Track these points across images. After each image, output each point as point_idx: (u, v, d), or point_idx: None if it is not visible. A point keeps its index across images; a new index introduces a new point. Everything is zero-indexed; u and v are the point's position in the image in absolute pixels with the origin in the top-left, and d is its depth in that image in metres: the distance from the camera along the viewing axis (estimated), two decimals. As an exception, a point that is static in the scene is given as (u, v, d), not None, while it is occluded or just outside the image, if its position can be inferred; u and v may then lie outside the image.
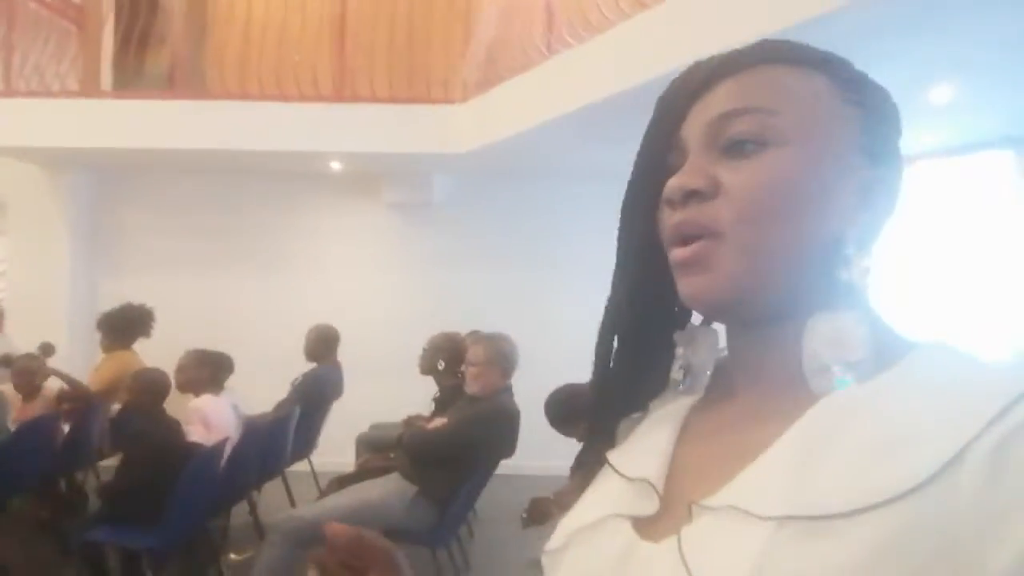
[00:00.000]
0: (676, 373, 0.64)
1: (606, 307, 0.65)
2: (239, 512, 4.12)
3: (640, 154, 0.61)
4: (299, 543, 3.03)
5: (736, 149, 0.55)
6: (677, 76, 0.61)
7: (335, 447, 4.93)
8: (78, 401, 4.30)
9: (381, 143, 5.18)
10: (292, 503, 4.51)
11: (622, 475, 0.60)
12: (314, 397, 4.54)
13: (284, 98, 5.15)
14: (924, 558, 0.42)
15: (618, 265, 0.64)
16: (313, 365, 4.64)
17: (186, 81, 5.65)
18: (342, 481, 3.55)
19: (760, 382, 0.58)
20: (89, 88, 5.66)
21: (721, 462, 0.53)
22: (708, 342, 0.63)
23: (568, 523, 0.62)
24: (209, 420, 3.66)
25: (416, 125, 5.13)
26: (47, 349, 4.73)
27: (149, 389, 3.51)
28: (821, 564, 0.44)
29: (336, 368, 4.68)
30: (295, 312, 5.34)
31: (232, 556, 3.89)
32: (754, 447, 0.52)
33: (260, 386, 4.55)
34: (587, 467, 0.66)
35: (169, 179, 6.09)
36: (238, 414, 3.97)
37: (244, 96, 5.26)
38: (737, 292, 0.54)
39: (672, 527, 0.52)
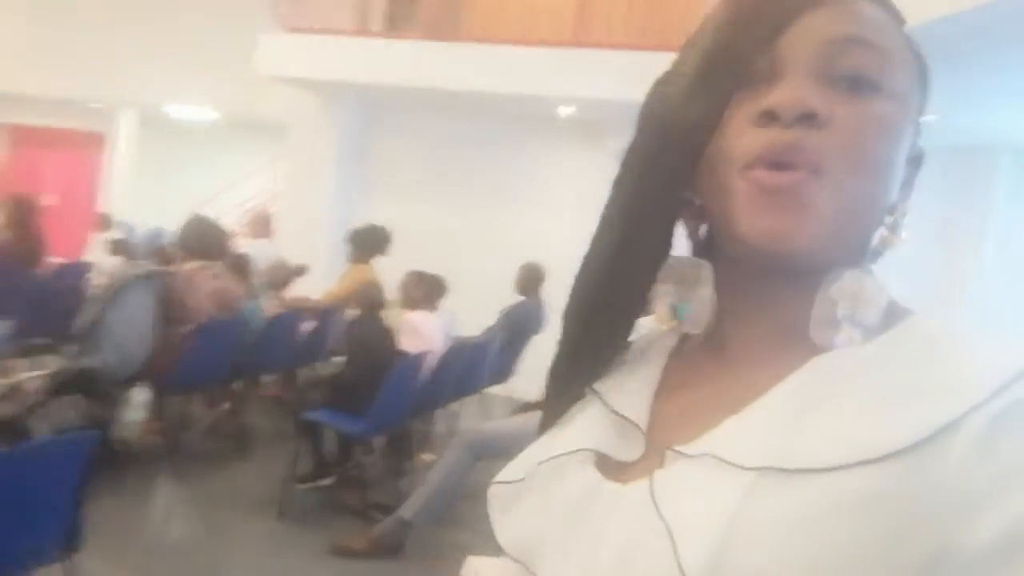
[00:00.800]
0: (669, 307, 0.59)
1: (587, 260, 0.60)
2: (442, 421, 4.57)
3: (716, 47, 0.53)
4: (475, 453, 3.32)
5: (851, 83, 0.50)
6: None
7: (531, 376, 5.21)
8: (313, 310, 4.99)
9: (613, 89, 5.24)
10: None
11: (610, 407, 0.58)
12: (517, 328, 4.85)
13: (526, 42, 5.39)
14: (902, 521, 0.42)
15: (629, 173, 0.57)
16: (520, 298, 4.94)
17: (443, 24, 6.11)
18: (527, 407, 3.78)
19: (756, 331, 0.55)
20: (362, 27, 6.34)
21: (702, 410, 0.52)
22: (706, 277, 0.57)
23: (532, 454, 0.60)
24: (419, 332, 4.08)
25: (651, 73, 5.09)
26: (301, 270, 5.50)
27: (370, 301, 3.98)
28: (796, 517, 0.43)
29: (540, 304, 4.93)
30: (511, 247, 5.65)
31: (424, 456, 4.34)
32: (739, 397, 0.51)
33: (474, 310, 4.94)
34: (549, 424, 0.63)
35: (422, 116, 6.66)
36: (446, 332, 4.36)
37: (489, 39, 5.59)
38: (820, 239, 0.49)
39: (643, 471, 0.52)
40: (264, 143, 8.21)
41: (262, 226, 6.13)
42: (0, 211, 4.94)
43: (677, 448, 0.50)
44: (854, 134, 0.49)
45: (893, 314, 0.52)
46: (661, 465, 0.51)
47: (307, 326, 4.88)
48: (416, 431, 4.40)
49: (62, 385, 3.78)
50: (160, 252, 4.97)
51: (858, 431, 0.44)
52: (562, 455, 0.56)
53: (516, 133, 6.38)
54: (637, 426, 0.55)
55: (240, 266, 4.74)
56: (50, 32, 7.82)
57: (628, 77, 5.28)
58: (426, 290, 4.28)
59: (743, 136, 0.50)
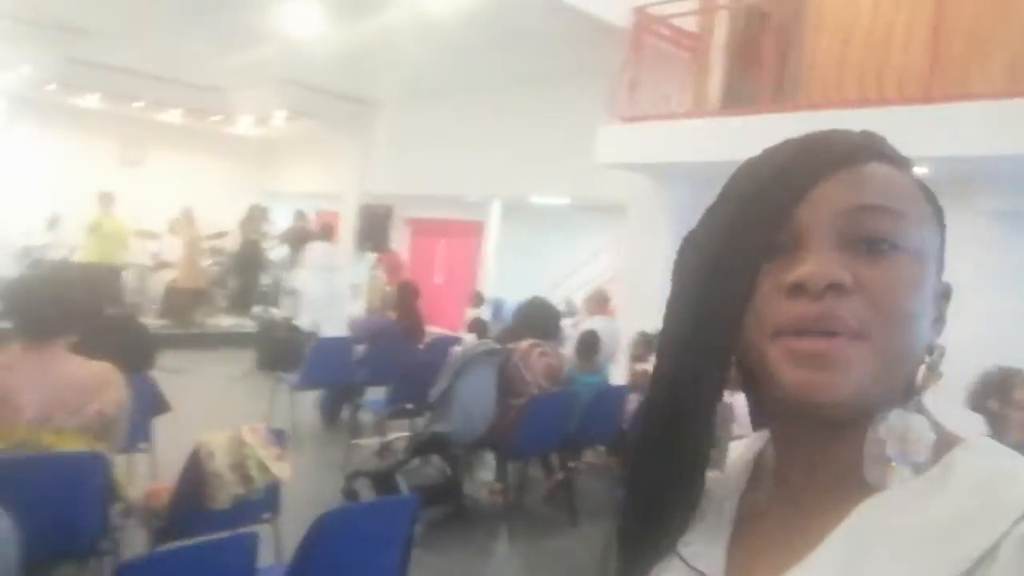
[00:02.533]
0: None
1: (643, 419, 0.62)
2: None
3: (737, 221, 0.57)
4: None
5: (872, 246, 0.53)
6: (786, 145, 0.59)
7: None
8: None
9: (977, 144, 4.61)
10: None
11: (687, 563, 0.60)
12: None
13: (870, 103, 5.02)
14: None
15: (670, 341, 0.61)
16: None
17: (782, 95, 5.98)
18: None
19: (817, 475, 0.57)
20: (699, 108, 6.50)
21: (769, 560, 0.55)
22: (727, 418, 0.63)
23: None
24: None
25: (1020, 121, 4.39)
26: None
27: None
28: None
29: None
30: None
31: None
32: (802, 545, 0.53)
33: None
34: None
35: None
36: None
37: (828, 105, 5.32)
38: (860, 396, 0.52)
39: None
40: (609, 224, 8.76)
41: (601, 304, 6.50)
42: (390, 294, 6.05)
43: None
44: (882, 294, 0.52)
45: (943, 445, 0.53)
46: None
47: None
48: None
49: (421, 445, 4.43)
50: (504, 330, 5.57)
51: (904, 571, 0.47)
52: None
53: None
54: None
55: (589, 342, 5.12)
56: (439, 146, 9.45)
57: (993, 129, 4.64)
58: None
59: (774, 306, 0.54)
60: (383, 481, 4.34)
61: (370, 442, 4.83)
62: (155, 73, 9.86)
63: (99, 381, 2.37)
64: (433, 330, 7.78)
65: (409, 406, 4.72)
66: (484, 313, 7.92)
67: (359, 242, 10.77)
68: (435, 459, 4.74)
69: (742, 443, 0.67)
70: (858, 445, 0.54)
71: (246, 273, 10.93)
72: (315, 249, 8.49)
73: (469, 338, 5.53)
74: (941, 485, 0.51)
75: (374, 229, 10.83)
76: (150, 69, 9.73)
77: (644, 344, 5.16)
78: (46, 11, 7.61)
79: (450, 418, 4.24)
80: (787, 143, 0.58)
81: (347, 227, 10.97)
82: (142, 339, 4.16)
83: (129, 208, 9.84)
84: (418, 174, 9.93)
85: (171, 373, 5.42)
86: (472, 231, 10.39)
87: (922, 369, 0.56)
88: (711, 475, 0.64)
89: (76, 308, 2.40)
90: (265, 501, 2.71)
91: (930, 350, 0.56)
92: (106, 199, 9.51)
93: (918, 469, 0.52)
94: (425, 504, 4.36)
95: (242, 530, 2.22)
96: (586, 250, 9.91)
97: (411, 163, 10.02)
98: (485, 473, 4.89)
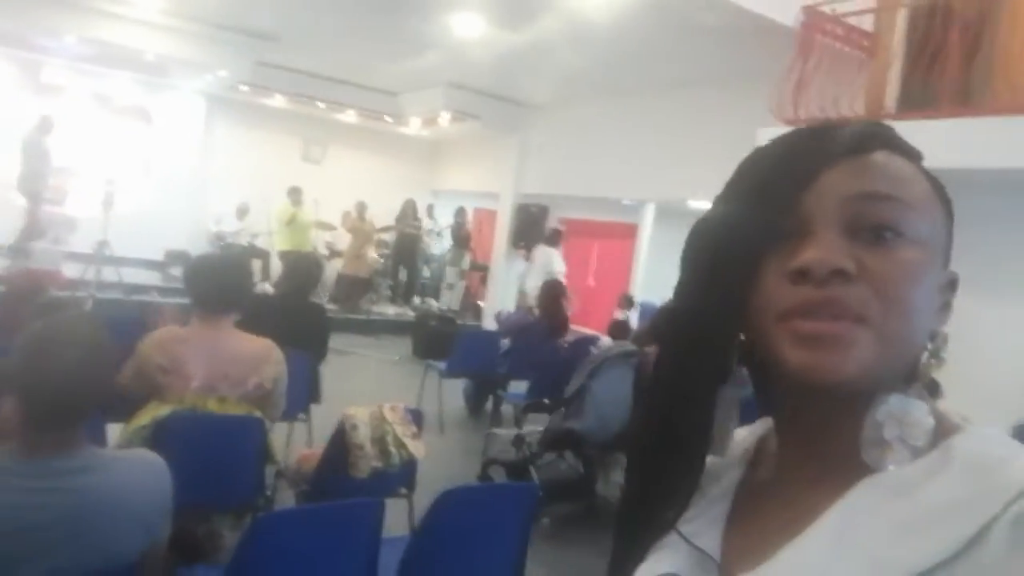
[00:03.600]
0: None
1: (655, 380, 0.64)
2: None
3: (743, 207, 0.59)
4: None
5: (877, 234, 0.54)
6: (794, 134, 0.60)
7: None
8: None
9: None
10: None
11: (685, 539, 0.62)
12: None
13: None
14: None
15: (675, 324, 0.62)
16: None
17: (964, 97, 5.52)
18: None
19: (816, 455, 0.58)
20: (872, 110, 6.11)
21: (765, 538, 0.57)
22: (732, 402, 0.63)
23: None
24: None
25: None
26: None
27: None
28: None
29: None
30: None
31: None
32: (799, 522, 0.55)
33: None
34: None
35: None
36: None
37: (1021, 110, 4.86)
38: (863, 377, 0.53)
39: None
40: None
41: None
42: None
43: None
44: (885, 283, 0.53)
45: (943, 431, 0.54)
46: None
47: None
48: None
49: (554, 441, 4.51)
50: (639, 333, 5.54)
51: (894, 553, 0.48)
52: None
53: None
54: (712, 558, 0.59)
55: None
56: (594, 148, 9.51)
57: None
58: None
59: (778, 290, 0.55)
60: (517, 471, 4.47)
61: (507, 432, 4.98)
62: (335, 76, 10.61)
63: (260, 357, 2.65)
64: (581, 330, 7.85)
65: (546, 401, 4.81)
66: (633, 316, 7.87)
67: (513, 241, 11.05)
68: (570, 456, 4.81)
69: (745, 429, 0.68)
70: (858, 427, 0.55)
71: (407, 265, 11.58)
72: (543, 252, 9.09)
73: (606, 340, 5.54)
74: (938, 469, 0.51)
75: (529, 229, 11.04)
76: (330, 73, 10.48)
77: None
78: (241, 19, 8.41)
79: (583, 417, 4.29)
80: (795, 132, 0.60)
81: (503, 226, 11.26)
82: (323, 328, 4.53)
83: (309, 201, 10.71)
84: (573, 175, 10.02)
85: (336, 354, 5.85)
86: (626, 233, 10.34)
87: (925, 355, 0.57)
88: (713, 458, 0.66)
89: (243, 289, 2.69)
90: (402, 476, 2.89)
91: (932, 337, 0.57)
92: (295, 193, 10.45)
93: (916, 453, 0.53)
94: (556, 499, 4.45)
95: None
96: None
97: (567, 164, 10.13)
98: (618, 474, 4.89)
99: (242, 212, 10.96)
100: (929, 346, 0.57)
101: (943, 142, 5.15)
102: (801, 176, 0.56)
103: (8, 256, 7.99)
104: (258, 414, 2.65)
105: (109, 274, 8.73)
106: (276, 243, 10.57)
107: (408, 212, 11.59)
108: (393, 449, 2.77)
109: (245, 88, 10.57)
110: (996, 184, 5.46)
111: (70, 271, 8.37)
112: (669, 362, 0.63)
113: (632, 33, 6.73)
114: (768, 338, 0.56)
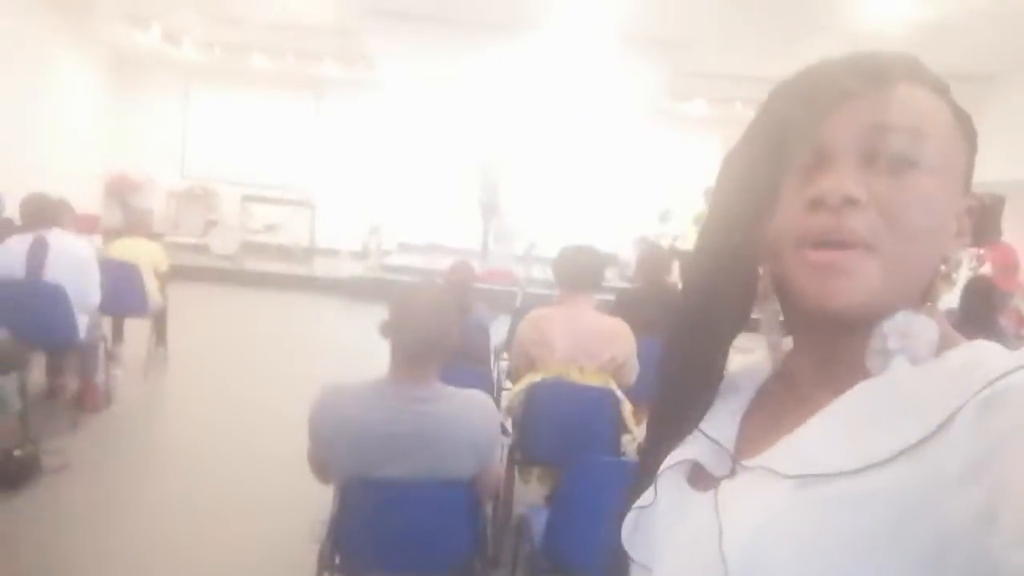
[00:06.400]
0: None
1: (682, 302, 0.69)
2: None
3: (767, 139, 0.62)
4: None
5: (892, 164, 0.57)
6: (820, 66, 0.62)
7: None
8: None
9: None
10: None
11: (703, 432, 0.68)
12: None
13: None
14: (917, 504, 0.48)
15: (703, 251, 0.67)
16: None
17: None
18: None
19: (827, 371, 0.62)
20: None
21: (771, 431, 0.62)
22: (774, 315, 0.67)
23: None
24: None
25: None
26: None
27: None
28: (833, 512, 0.51)
29: None
30: None
31: None
32: (801, 417, 0.59)
33: None
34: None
35: None
36: None
37: None
38: (873, 303, 0.56)
39: (716, 482, 0.63)
40: None
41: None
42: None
43: (742, 463, 0.62)
44: (895, 209, 0.56)
45: (946, 344, 0.57)
46: (731, 477, 0.63)
47: None
48: None
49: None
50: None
51: (878, 437, 0.52)
52: (666, 469, 0.68)
53: None
54: (725, 448, 0.66)
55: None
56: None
57: None
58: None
59: (796, 219, 0.59)
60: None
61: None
62: (751, 75, 10.53)
63: (612, 333, 2.95)
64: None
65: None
66: None
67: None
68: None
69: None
70: (865, 343, 0.58)
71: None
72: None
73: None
74: (928, 374, 0.55)
75: (981, 219, 9.54)
76: (747, 71, 10.44)
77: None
78: (651, 30, 8.92)
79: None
80: (820, 64, 0.61)
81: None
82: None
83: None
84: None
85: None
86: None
87: (939, 275, 0.59)
88: (735, 370, 0.71)
89: (598, 271, 3.03)
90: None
91: (945, 260, 0.59)
92: (710, 194, 10.72)
93: (916, 363, 0.56)
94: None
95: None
96: None
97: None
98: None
99: (664, 216, 11.54)
100: (943, 268, 0.59)
101: None
102: (821, 108, 0.59)
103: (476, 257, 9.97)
104: (613, 385, 2.94)
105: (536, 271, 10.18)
106: (686, 242, 10.95)
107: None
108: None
109: (663, 96, 11.12)
110: None
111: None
112: (699, 285, 0.68)
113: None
114: (785, 264, 0.59)
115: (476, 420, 1.96)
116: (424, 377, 1.94)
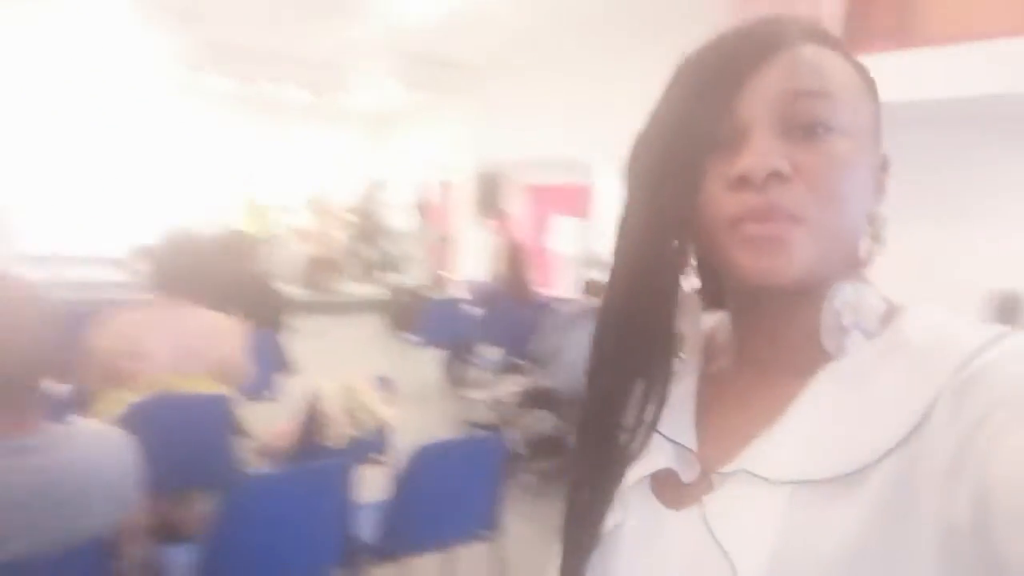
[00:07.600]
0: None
1: (608, 296, 0.64)
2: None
3: (681, 118, 0.59)
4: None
5: (808, 131, 0.56)
6: (720, 38, 0.60)
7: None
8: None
9: None
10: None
11: (667, 438, 0.62)
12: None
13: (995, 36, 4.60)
14: (914, 503, 0.48)
15: (625, 240, 0.63)
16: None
17: (899, 32, 5.55)
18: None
19: (780, 345, 0.61)
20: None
21: (736, 428, 0.59)
22: (694, 301, 0.66)
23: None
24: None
25: None
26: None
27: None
28: (838, 522, 0.50)
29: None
30: (971, 272, 4.79)
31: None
32: (766, 412, 0.57)
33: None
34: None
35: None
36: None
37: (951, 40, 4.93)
38: (808, 274, 0.55)
39: (693, 496, 0.58)
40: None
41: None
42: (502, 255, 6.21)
43: (719, 471, 0.57)
44: (818, 177, 0.55)
45: (890, 313, 0.58)
46: (710, 489, 0.57)
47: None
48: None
49: (531, 400, 4.57)
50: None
51: (867, 435, 0.51)
52: (634, 484, 0.62)
53: (989, 141, 5.39)
54: (690, 449, 0.61)
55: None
56: (547, 109, 9.44)
57: None
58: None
59: (722, 198, 0.56)
60: (494, 431, 4.53)
61: (480, 395, 5.03)
62: (273, 51, 10.10)
63: (219, 330, 2.66)
64: (550, 294, 7.88)
65: (520, 363, 4.87)
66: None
67: (479, 210, 11.01)
68: (550, 416, 4.88)
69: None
70: (812, 316, 0.58)
71: (373, 243, 11.57)
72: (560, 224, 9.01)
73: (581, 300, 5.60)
74: (890, 352, 0.55)
75: (490, 196, 11.01)
76: (268, 48, 9.96)
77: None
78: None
79: (555, 374, 4.36)
80: (717, 39, 0.60)
81: (464, 196, 11.22)
82: (272, 300, 4.54)
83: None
84: (532, 137, 9.95)
85: (311, 336, 5.87)
86: (583, 195, 10.35)
87: (865, 241, 0.60)
88: None
89: (202, 270, 2.70)
90: (376, 442, 2.92)
91: (871, 220, 0.60)
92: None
93: (869, 336, 0.57)
94: (538, 456, 4.52)
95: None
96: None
97: (523, 128, 10.08)
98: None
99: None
100: (869, 229, 0.60)
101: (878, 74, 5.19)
102: (732, 79, 0.57)
103: None
104: (225, 390, 2.66)
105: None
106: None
107: (371, 189, 11.53)
108: (364, 416, 2.79)
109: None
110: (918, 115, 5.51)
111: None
112: (625, 275, 0.62)
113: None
114: (718, 244, 0.57)
115: (111, 457, 1.57)
116: (23, 421, 1.48)
